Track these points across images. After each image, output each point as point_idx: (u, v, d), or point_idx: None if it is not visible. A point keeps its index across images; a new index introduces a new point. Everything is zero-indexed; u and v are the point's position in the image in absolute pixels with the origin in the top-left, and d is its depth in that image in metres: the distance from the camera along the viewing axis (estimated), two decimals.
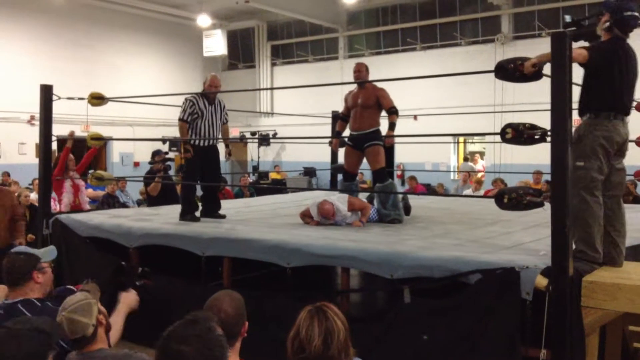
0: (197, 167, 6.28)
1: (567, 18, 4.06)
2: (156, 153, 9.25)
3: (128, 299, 3.69)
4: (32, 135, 13.41)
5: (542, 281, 3.60)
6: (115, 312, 3.57)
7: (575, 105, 3.69)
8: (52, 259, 3.57)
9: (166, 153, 9.71)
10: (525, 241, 4.76)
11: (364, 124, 6.36)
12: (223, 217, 6.41)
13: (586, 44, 4.10)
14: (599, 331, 3.99)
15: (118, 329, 3.46)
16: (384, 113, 6.35)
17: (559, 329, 3.53)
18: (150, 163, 9.27)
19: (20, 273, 3.24)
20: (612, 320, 4.09)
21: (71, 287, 3.69)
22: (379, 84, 6.43)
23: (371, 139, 6.32)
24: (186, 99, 6.32)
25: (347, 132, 6.73)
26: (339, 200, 5.84)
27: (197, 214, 6.26)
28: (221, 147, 6.69)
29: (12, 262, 3.31)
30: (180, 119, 6.27)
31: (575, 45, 3.74)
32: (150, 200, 8.74)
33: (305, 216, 6.01)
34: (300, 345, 2.34)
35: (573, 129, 3.73)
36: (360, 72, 6.44)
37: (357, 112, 6.42)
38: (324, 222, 5.82)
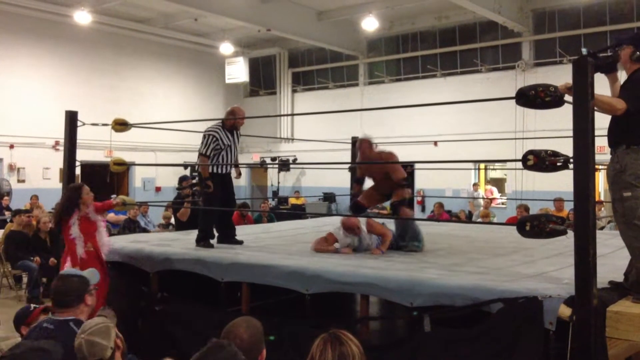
0: (217, 199, 6.29)
1: (584, 51, 4.07)
2: (183, 179, 9.31)
3: None
4: (57, 160, 13.66)
5: (565, 311, 3.53)
6: None
7: (598, 132, 3.65)
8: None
9: (193, 178, 9.75)
10: (548, 270, 4.68)
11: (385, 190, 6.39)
12: (240, 242, 6.39)
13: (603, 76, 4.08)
14: None
15: None
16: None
17: None
18: (178, 189, 9.32)
19: (73, 295, 3.29)
20: (638, 351, 3.99)
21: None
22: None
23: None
24: (209, 134, 6.21)
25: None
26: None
27: (213, 241, 6.25)
28: None
29: (65, 284, 3.35)
30: (202, 154, 6.18)
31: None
32: (179, 225, 8.73)
33: (321, 247, 5.88)
34: None
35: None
36: (364, 153, 6.19)
37: (375, 186, 6.48)
38: (341, 251, 5.78)
